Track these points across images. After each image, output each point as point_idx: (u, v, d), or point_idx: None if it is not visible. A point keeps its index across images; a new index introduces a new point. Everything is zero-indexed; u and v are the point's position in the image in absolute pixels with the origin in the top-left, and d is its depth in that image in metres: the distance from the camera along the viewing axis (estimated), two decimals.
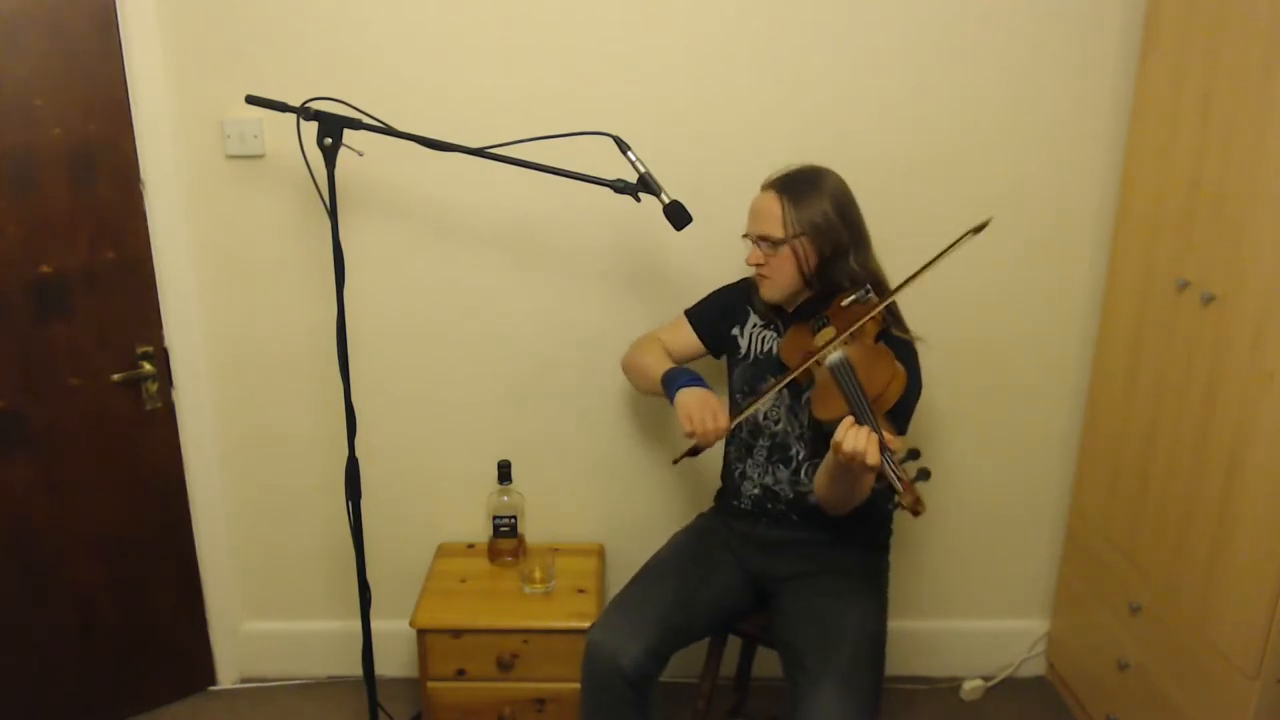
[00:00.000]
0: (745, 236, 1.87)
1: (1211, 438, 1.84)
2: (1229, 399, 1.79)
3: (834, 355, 1.69)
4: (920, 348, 1.83)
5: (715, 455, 2.13)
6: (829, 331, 1.77)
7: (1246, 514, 1.74)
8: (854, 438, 1.53)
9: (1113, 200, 2.22)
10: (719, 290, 2.06)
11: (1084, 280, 2.29)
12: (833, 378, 1.66)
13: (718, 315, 2.02)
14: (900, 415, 1.77)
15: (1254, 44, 1.71)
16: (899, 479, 1.50)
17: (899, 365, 1.65)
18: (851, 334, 1.71)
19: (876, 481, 1.56)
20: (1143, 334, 2.08)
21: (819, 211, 1.78)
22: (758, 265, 1.84)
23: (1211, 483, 1.84)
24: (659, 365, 1.95)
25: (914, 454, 1.55)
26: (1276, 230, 1.65)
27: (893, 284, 1.79)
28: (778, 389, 1.79)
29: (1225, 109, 1.80)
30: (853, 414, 1.57)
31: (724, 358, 2.05)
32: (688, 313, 2.07)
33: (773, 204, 1.80)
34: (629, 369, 2.10)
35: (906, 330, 1.85)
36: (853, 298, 1.79)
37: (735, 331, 1.99)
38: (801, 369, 1.75)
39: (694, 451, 1.81)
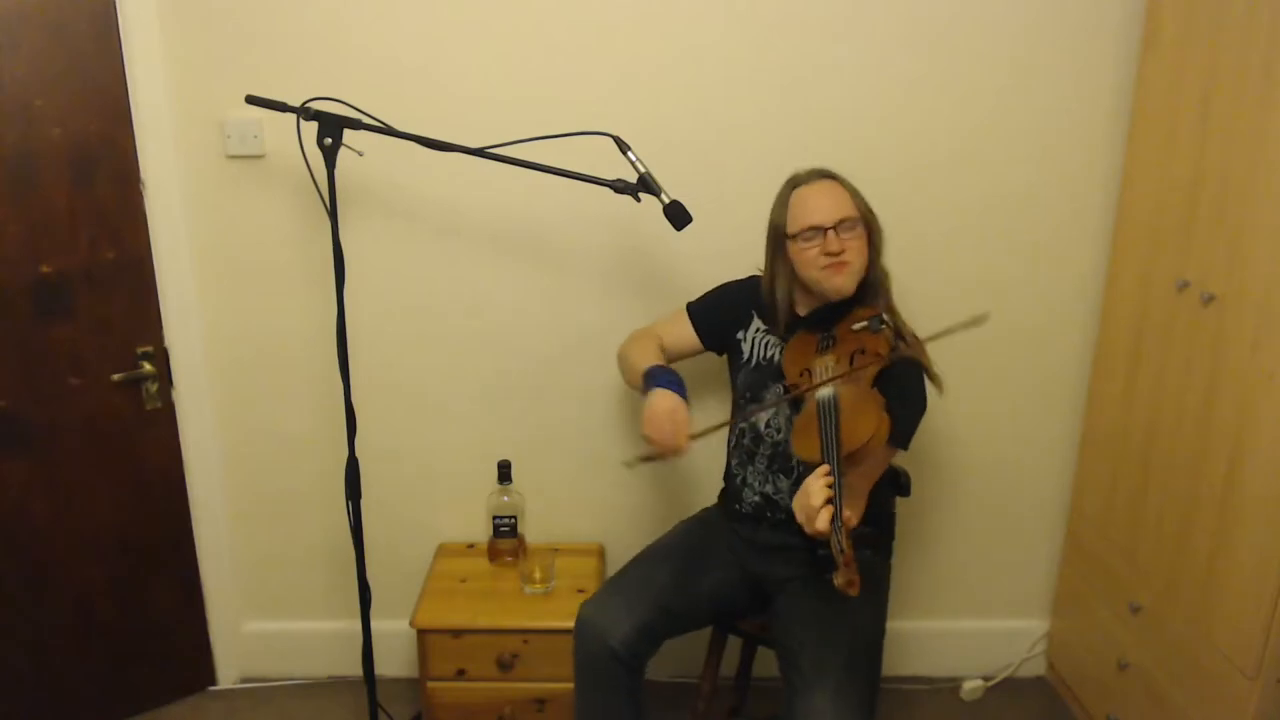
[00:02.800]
0: (809, 232, 1.76)
1: (1211, 438, 1.84)
2: (1229, 399, 1.78)
3: (825, 390, 1.63)
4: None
5: (718, 458, 2.13)
6: (830, 359, 1.73)
7: (1246, 514, 1.74)
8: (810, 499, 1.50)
9: (1113, 200, 2.22)
10: (724, 287, 2.02)
11: (1084, 280, 2.29)
12: (816, 414, 1.61)
13: (720, 314, 1.99)
14: (902, 433, 1.74)
15: (1254, 44, 1.71)
16: (841, 552, 1.45)
17: (884, 417, 1.60)
18: (852, 370, 1.67)
19: (819, 548, 1.51)
20: (1143, 334, 2.08)
21: (859, 193, 1.81)
22: (837, 255, 1.74)
23: (1211, 483, 1.83)
24: (645, 359, 1.89)
25: (866, 534, 1.53)
26: (1276, 230, 1.65)
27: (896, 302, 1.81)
28: (716, 427, 1.75)
29: (1225, 109, 1.80)
30: (821, 464, 1.54)
31: (725, 356, 2.04)
32: (689, 307, 2.03)
33: (835, 187, 1.78)
34: (620, 359, 2.06)
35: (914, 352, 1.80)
36: (864, 323, 1.75)
37: (739, 335, 1.96)
38: (802, 394, 1.73)
39: (650, 458, 1.77)
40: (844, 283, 1.76)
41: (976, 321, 1.59)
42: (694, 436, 1.75)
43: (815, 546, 1.52)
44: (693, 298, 2.08)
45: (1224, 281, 1.80)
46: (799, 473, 1.88)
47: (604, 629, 1.79)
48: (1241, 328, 1.75)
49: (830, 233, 1.74)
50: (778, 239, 1.83)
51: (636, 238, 2.24)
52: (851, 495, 1.65)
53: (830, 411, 1.58)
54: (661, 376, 1.81)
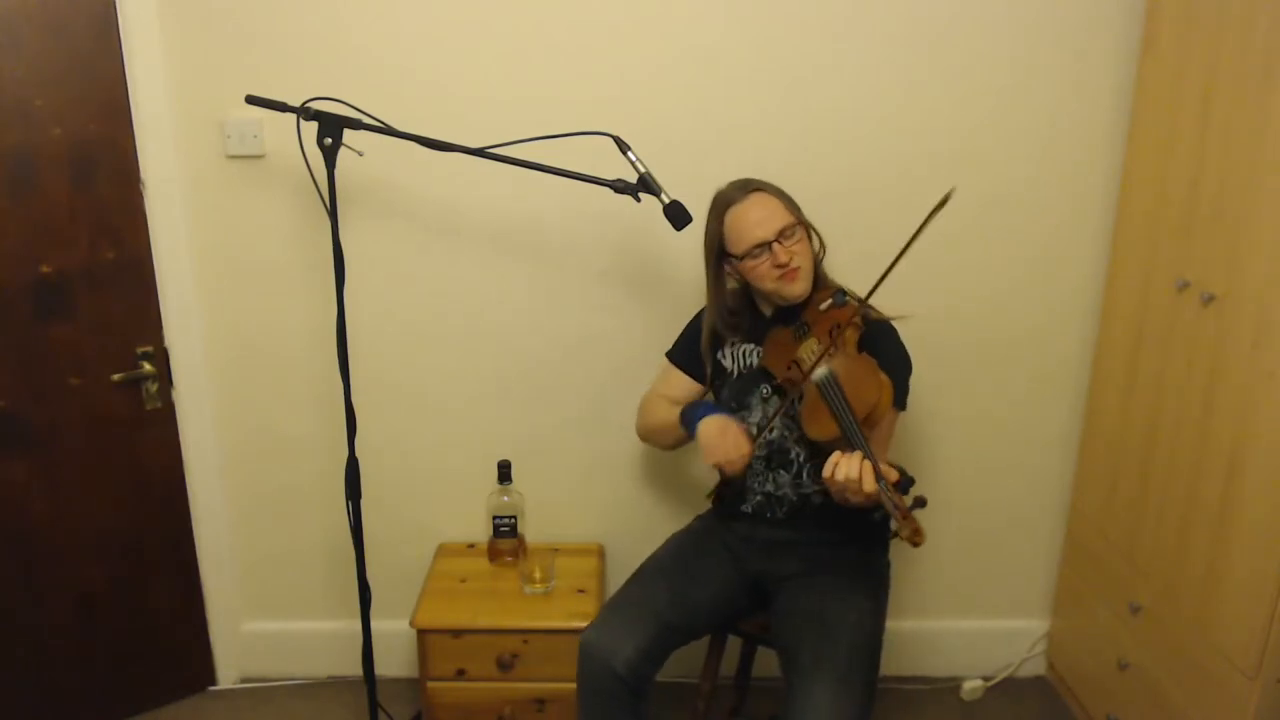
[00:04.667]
0: (755, 250, 1.80)
1: (1211, 438, 1.84)
2: (1229, 399, 1.78)
3: (820, 370, 1.68)
4: (901, 325, 1.85)
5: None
6: (811, 343, 1.77)
7: (1246, 514, 1.74)
8: (845, 467, 1.51)
9: (1113, 200, 2.22)
10: (691, 323, 2.05)
11: (1084, 280, 2.29)
12: (820, 395, 1.65)
13: (698, 347, 2.01)
14: (896, 394, 1.77)
15: (1254, 44, 1.71)
16: (896, 508, 1.45)
17: (884, 377, 1.64)
18: (835, 344, 1.70)
19: (873, 511, 1.52)
20: (1143, 334, 2.08)
21: (784, 193, 1.85)
22: (785, 265, 1.79)
23: (1211, 483, 1.83)
24: (670, 414, 1.98)
25: (908, 481, 1.52)
26: (1276, 230, 1.65)
27: (856, 286, 1.80)
28: (780, 410, 1.80)
29: (1225, 109, 1.80)
30: (843, 436, 1.56)
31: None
32: (670, 357, 2.07)
33: (766, 199, 1.83)
34: (645, 433, 2.12)
35: (882, 314, 1.86)
36: (829, 301, 1.79)
37: (719, 355, 1.98)
38: (798, 385, 1.75)
39: (726, 482, 1.84)
40: (800, 288, 1.83)
41: (943, 202, 1.62)
42: (753, 439, 1.83)
43: (871, 511, 1.54)
44: (692, 298, 2.08)
45: (1224, 281, 1.80)
46: (798, 465, 1.90)
47: (607, 653, 1.78)
48: (1241, 328, 1.75)
49: (775, 245, 1.79)
50: (717, 258, 1.89)
51: (636, 238, 2.24)
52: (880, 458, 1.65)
53: (833, 387, 1.63)
54: (695, 410, 1.90)
